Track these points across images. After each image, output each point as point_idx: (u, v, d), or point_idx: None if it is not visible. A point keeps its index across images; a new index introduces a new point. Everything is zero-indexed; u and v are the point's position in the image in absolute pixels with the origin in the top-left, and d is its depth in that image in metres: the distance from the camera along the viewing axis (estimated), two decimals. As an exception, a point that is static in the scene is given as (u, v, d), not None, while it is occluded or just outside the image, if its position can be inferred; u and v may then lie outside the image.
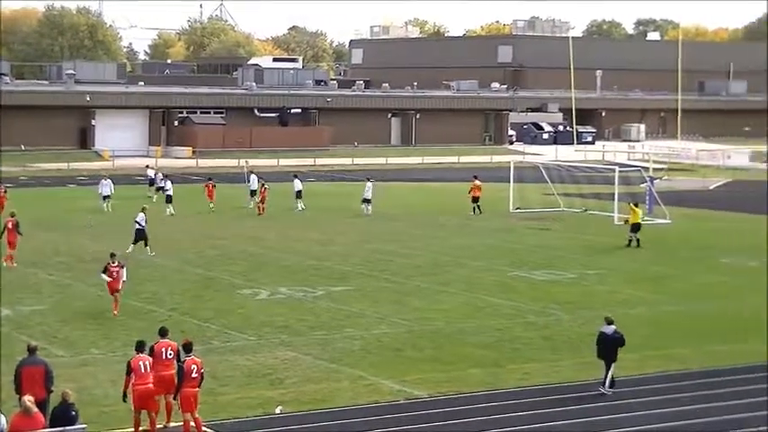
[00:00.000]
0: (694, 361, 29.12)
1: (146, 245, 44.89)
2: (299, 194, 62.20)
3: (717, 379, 27.45)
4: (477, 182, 61.62)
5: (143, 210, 46.02)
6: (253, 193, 62.16)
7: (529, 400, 25.35)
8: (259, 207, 59.82)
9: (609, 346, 26.04)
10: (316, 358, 28.83)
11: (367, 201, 59.96)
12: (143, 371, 22.24)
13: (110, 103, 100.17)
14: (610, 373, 26.01)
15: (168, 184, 60.84)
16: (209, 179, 65.22)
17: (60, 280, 39.14)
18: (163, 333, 23.57)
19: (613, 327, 26.27)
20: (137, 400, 22.14)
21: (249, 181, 63.34)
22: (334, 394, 25.49)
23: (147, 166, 72.26)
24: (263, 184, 60.58)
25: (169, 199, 59.42)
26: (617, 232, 53.32)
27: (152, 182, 68.27)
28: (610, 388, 25.94)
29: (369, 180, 61.92)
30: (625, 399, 25.52)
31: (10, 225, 42.46)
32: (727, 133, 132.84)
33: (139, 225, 45.10)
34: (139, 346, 22.79)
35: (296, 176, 64.39)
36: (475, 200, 61.09)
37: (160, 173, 68.74)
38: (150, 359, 22.53)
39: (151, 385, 22.25)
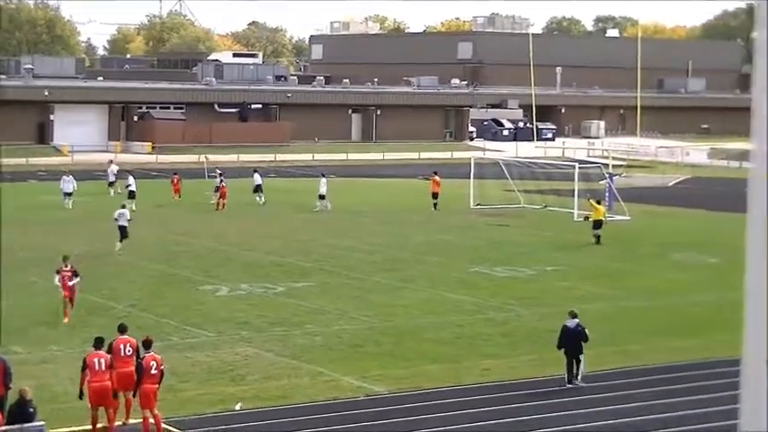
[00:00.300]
0: (651, 357, 29.33)
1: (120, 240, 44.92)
2: (258, 189, 62.23)
3: (673, 375, 27.67)
4: (437, 177, 61.77)
5: (123, 206, 46.55)
6: (218, 189, 62.23)
7: (488, 396, 25.46)
8: (218, 203, 59.76)
9: (571, 340, 26.26)
10: (276, 354, 28.84)
11: (322, 197, 59.96)
12: (98, 368, 22.17)
13: (68, 98, 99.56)
14: (581, 367, 26.31)
15: (131, 180, 60.65)
16: (175, 173, 65.54)
17: (22, 276, 38.87)
18: (122, 329, 23.52)
19: (576, 320, 26.50)
20: (92, 396, 22.07)
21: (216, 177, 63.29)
22: (295, 390, 25.51)
23: (111, 162, 71.93)
24: (221, 180, 60.75)
25: (132, 195, 59.19)
26: (577, 229, 53.59)
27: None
28: (569, 383, 26.14)
29: (323, 176, 62.00)
30: (584, 395, 25.68)
31: None
32: (685, 130, 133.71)
33: (121, 221, 45.12)
34: (97, 343, 22.75)
35: (255, 171, 64.52)
36: (434, 195, 61.24)
37: (115, 166, 68.36)
38: (107, 356, 22.46)
39: (108, 382, 22.18)
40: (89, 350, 22.72)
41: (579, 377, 26.25)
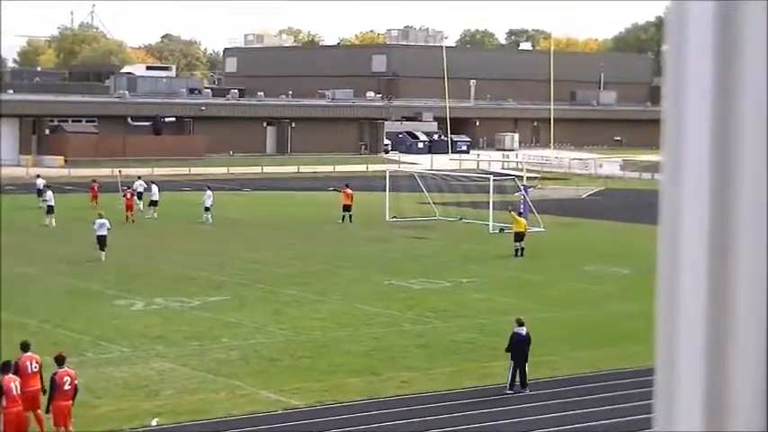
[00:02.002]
0: (564, 367, 29.57)
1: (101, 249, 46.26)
2: (154, 203, 62.47)
3: (587, 385, 27.92)
4: (349, 190, 61.88)
5: (100, 215, 47.81)
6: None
7: (406, 408, 25.51)
8: (127, 216, 59.31)
9: (524, 347, 26.75)
10: (192, 369, 28.66)
11: (207, 209, 60.36)
12: (15, 393, 21.81)
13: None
14: (526, 373, 26.71)
15: (49, 194, 60.14)
16: (94, 181, 66.38)
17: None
18: (25, 347, 23.23)
19: (525, 328, 26.98)
20: (9, 425, 21.65)
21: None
22: (212, 405, 25.37)
23: (38, 176, 71.22)
24: (128, 189, 61.46)
25: (50, 209, 58.64)
26: (492, 240, 53.91)
27: (40, 192, 66.89)
28: (510, 389, 26.57)
29: (209, 189, 62.88)
30: (497, 406, 25.82)
31: None
32: (598, 142, 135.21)
33: (101, 231, 46.57)
34: (5, 367, 22.30)
35: (154, 183, 64.76)
36: (346, 208, 61.28)
37: (41, 181, 68.10)
38: (19, 379, 22.10)
39: (21, 407, 21.85)
40: None
41: (524, 386, 26.74)
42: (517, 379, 26.96)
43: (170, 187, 64.74)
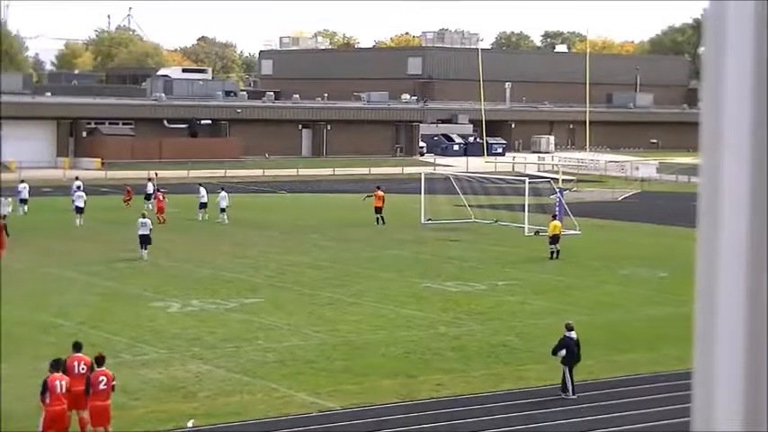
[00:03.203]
0: (601, 371, 29.47)
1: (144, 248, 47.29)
2: (203, 205, 62.51)
3: (624, 388, 27.81)
4: (380, 192, 61.95)
5: (144, 215, 49.01)
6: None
7: (442, 410, 25.48)
8: (159, 218, 59.43)
9: (572, 352, 26.78)
10: (228, 371, 28.72)
11: (222, 210, 60.95)
12: (59, 391, 21.93)
13: (16, 113, 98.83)
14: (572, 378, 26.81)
15: (79, 195, 60.49)
16: (126, 185, 69.99)
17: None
18: (77, 347, 23.40)
19: (574, 332, 27.05)
20: (49, 422, 21.83)
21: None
22: (248, 407, 25.42)
23: (77, 178, 71.58)
24: (157, 190, 62.99)
25: (79, 210, 58.97)
26: (527, 243, 53.79)
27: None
28: (573, 393, 26.65)
29: (222, 190, 63.30)
30: (536, 409, 25.76)
31: None
32: (634, 145, 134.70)
33: (142, 230, 47.57)
34: (55, 366, 22.44)
35: (200, 186, 64.93)
36: (378, 210, 61.28)
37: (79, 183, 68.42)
38: (66, 378, 22.23)
39: (65, 405, 21.98)
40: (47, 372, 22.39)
41: (570, 391, 26.73)
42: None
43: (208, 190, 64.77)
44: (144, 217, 48.69)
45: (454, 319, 35.92)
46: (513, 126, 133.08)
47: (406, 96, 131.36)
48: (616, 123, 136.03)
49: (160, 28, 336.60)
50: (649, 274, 45.73)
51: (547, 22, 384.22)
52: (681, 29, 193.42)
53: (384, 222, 60.46)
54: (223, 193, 61.77)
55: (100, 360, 22.75)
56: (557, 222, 51.38)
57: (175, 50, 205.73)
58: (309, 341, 32.41)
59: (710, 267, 2.24)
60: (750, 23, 2.18)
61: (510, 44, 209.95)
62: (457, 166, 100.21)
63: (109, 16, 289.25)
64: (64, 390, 21.95)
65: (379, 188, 62.91)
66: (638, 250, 53.11)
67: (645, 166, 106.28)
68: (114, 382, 22.52)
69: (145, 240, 47.48)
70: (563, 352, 27.05)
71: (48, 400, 21.81)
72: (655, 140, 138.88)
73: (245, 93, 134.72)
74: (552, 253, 49.60)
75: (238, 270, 45.05)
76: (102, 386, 22.08)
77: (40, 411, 22.02)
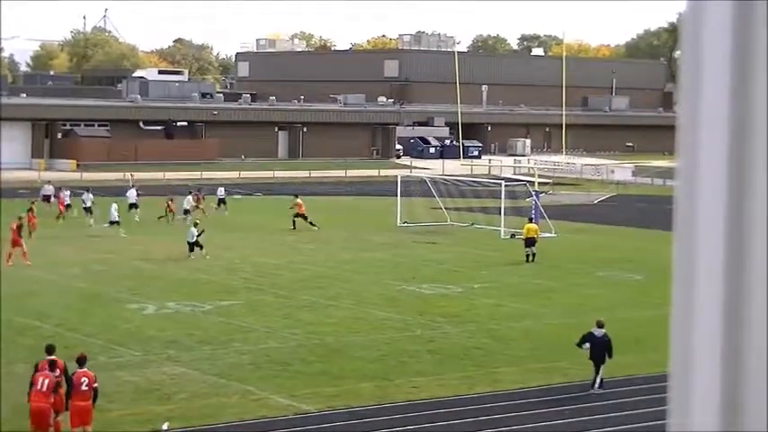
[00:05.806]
0: (576, 374, 29.50)
1: (201, 249, 48.55)
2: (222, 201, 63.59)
3: (601, 392, 27.85)
4: (299, 200, 61.43)
5: (195, 224, 50.40)
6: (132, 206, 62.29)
7: (417, 413, 25.48)
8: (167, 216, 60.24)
9: (595, 349, 27.02)
10: (204, 373, 28.66)
11: (186, 212, 61.34)
12: (83, 388, 22.05)
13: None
14: (600, 375, 26.88)
15: (86, 196, 60.91)
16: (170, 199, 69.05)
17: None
18: (81, 361, 23.22)
19: (604, 330, 27.27)
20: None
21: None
22: (223, 410, 25.37)
23: (49, 182, 71.25)
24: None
25: (89, 210, 59.64)
26: (503, 246, 53.85)
27: (47, 198, 66.63)
28: (599, 388, 26.79)
29: (191, 193, 64.05)
30: (508, 412, 25.78)
31: (14, 226, 45.51)
32: (610, 148, 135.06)
33: (188, 238, 48.81)
34: (81, 361, 22.73)
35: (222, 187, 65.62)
36: (303, 217, 60.10)
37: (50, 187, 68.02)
38: (51, 376, 22.27)
39: (46, 404, 22.02)
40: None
41: (596, 386, 27.20)
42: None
43: (182, 192, 64.69)
44: (195, 226, 49.80)
45: (430, 322, 35.93)
46: (489, 129, 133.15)
47: (382, 99, 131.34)
48: (592, 126, 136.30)
49: (136, 29, 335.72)
50: (625, 277, 45.83)
51: (523, 25, 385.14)
52: (657, 32, 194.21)
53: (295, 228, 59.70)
54: (188, 198, 62.18)
55: (81, 360, 22.79)
56: (532, 225, 51.46)
57: (152, 52, 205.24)
58: (286, 344, 32.38)
59: (687, 270, 2.24)
60: (727, 25, 2.18)
61: (486, 47, 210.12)
62: (433, 168, 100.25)
63: (84, 17, 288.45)
64: (45, 387, 21.96)
65: (296, 196, 62.67)
66: (614, 253, 53.23)
67: (621, 170, 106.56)
68: (96, 384, 22.49)
69: (196, 245, 48.46)
70: (587, 345, 27.62)
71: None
72: (630, 144, 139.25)
73: (221, 95, 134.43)
74: (528, 256, 49.66)
75: (214, 272, 44.94)
76: (83, 387, 22.06)
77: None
